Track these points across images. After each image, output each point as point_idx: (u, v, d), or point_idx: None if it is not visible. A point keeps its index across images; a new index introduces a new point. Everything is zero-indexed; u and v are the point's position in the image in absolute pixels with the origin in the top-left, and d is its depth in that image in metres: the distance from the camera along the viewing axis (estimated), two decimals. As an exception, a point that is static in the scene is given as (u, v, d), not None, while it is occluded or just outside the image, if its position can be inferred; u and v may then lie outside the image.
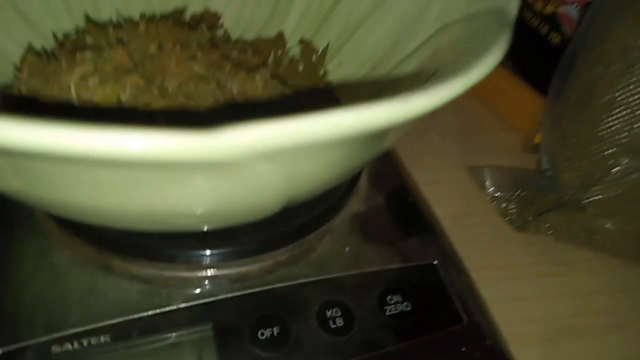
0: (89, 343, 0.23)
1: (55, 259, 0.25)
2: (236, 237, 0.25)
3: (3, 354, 0.22)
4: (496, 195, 0.36)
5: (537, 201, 0.35)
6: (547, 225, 0.34)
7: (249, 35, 0.34)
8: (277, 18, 0.34)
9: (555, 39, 0.41)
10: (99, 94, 0.19)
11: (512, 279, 0.32)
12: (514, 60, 0.46)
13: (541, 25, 0.42)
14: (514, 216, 0.35)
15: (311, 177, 0.16)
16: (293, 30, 0.33)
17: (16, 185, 0.17)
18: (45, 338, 0.22)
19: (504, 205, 0.36)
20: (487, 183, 0.37)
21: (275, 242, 0.26)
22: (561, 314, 0.31)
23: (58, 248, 0.26)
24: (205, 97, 0.23)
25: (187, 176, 0.14)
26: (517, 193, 0.36)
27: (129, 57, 0.21)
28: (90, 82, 0.20)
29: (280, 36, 0.33)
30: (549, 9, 0.41)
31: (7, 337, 0.22)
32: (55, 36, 0.28)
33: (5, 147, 0.11)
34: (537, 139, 0.39)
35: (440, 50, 0.23)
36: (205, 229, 0.22)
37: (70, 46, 0.23)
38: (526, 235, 0.35)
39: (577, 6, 0.38)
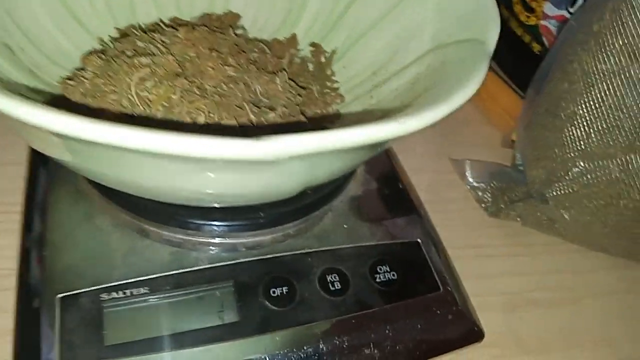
0: (131, 293, 0.27)
1: (98, 222, 0.30)
2: (254, 212, 0.30)
3: (62, 298, 0.27)
4: (474, 184, 0.41)
5: (509, 192, 0.39)
6: (516, 212, 0.38)
7: (264, 35, 0.38)
8: (290, 22, 0.38)
9: (535, 48, 0.45)
10: (155, 93, 0.24)
11: (483, 257, 0.37)
12: (499, 63, 0.50)
13: (524, 34, 0.46)
14: (488, 204, 0.40)
15: (325, 171, 0.21)
16: (304, 33, 0.37)
17: (73, 160, 0.21)
18: (95, 287, 0.27)
19: (480, 193, 0.40)
20: (467, 173, 0.41)
21: (285, 217, 0.30)
22: (523, 288, 0.36)
23: (100, 213, 0.30)
24: (235, 96, 0.27)
25: (245, 168, 0.19)
26: (493, 184, 0.40)
27: (177, 63, 0.26)
28: (148, 84, 0.24)
29: (293, 37, 0.37)
30: (532, 20, 0.45)
31: (62, 286, 0.27)
32: (102, 40, 0.32)
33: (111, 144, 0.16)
34: (514, 136, 0.43)
35: (433, 68, 0.27)
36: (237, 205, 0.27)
37: (128, 49, 0.27)
38: (497, 221, 0.39)
39: (556, 21, 0.42)
